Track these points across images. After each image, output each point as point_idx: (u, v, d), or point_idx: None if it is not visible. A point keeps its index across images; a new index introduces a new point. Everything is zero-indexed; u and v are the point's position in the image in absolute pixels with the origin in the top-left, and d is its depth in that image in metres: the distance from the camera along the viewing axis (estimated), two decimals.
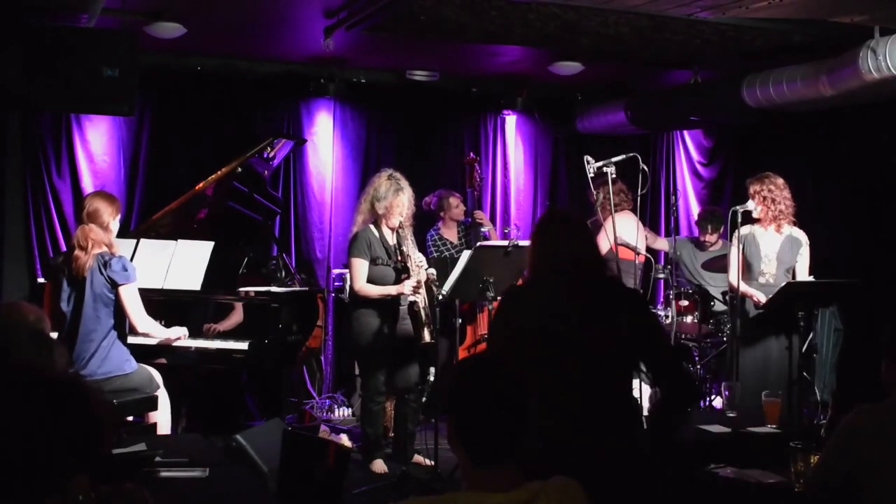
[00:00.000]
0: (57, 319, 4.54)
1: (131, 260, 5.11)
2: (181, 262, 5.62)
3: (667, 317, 6.37)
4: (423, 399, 5.73)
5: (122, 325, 4.77)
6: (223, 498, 2.88)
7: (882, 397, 2.79)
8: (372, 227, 5.34)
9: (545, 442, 2.38)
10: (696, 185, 8.26)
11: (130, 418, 4.79)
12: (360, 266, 5.26)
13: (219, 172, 5.90)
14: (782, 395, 4.29)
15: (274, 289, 5.88)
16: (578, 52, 6.62)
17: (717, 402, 6.17)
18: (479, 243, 5.74)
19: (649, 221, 8.15)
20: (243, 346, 5.44)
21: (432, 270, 5.41)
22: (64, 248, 6.08)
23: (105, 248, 4.65)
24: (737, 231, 5.43)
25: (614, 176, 5.18)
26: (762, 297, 5.35)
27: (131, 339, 4.92)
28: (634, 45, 5.99)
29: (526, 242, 4.46)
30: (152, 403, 4.78)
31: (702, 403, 6.37)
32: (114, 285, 4.63)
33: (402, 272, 5.27)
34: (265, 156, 6.23)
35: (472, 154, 7.01)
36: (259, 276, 6.15)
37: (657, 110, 7.54)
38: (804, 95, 5.92)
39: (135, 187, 7.09)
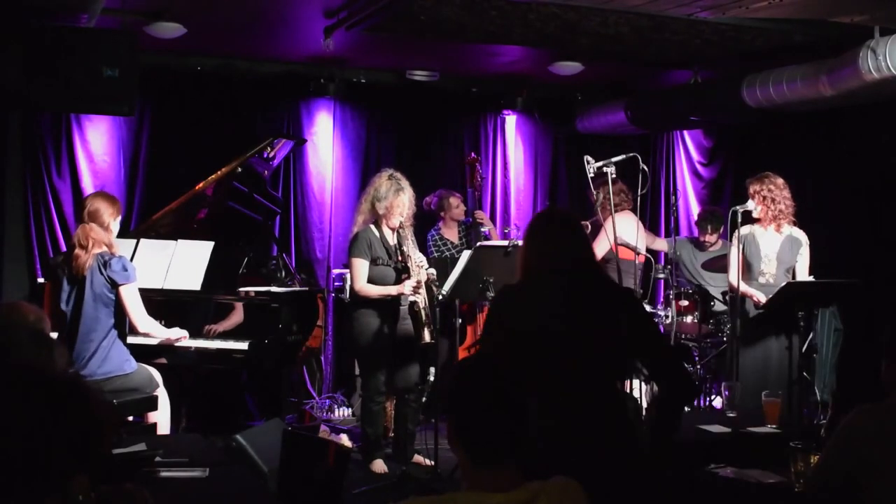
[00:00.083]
0: (57, 319, 4.54)
1: (131, 260, 5.11)
2: (181, 262, 5.62)
3: (667, 317, 6.36)
4: (423, 399, 5.73)
5: (122, 325, 4.78)
6: (223, 498, 2.87)
7: (882, 397, 2.79)
8: (372, 227, 5.34)
9: (545, 442, 2.38)
10: (696, 185, 8.26)
11: (130, 418, 4.79)
12: (361, 266, 5.26)
13: (219, 172, 5.90)
14: (782, 395, 4.28)
15: (274, 289, 5.88)
16: (578, 52, 6.62)
17: (717, 402, 6.16)
18: (478, 243, 5.75)
19: (649, 221, 8.15)
20: (243, 346, 5.44)
21: (432, 270, 5.41)
22: (64, 248, 6.08)
23: (105, 248, 4.65)
24: (737, 231, 5.43)
25: (614, 176, 5.18)
26: (762, 297, 5.35)
27: (131, 339, 4.93)
28: (634, 45, 5.99)
29: None
30: (152, 403, 4.78)
31: (702, 403, 6.37)
32: (114, 285, 4.63)
33: (402, 272, 5.27)
34: (265, 156, 6.23)
35: (473, 154, 7.01)
36: (259, 276, 6.15)
37: (657, 110, 7.54)
38: (804, 95, 5.92)
39: (135, 187, 7.09)
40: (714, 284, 6.68)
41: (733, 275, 5.40)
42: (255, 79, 7.30)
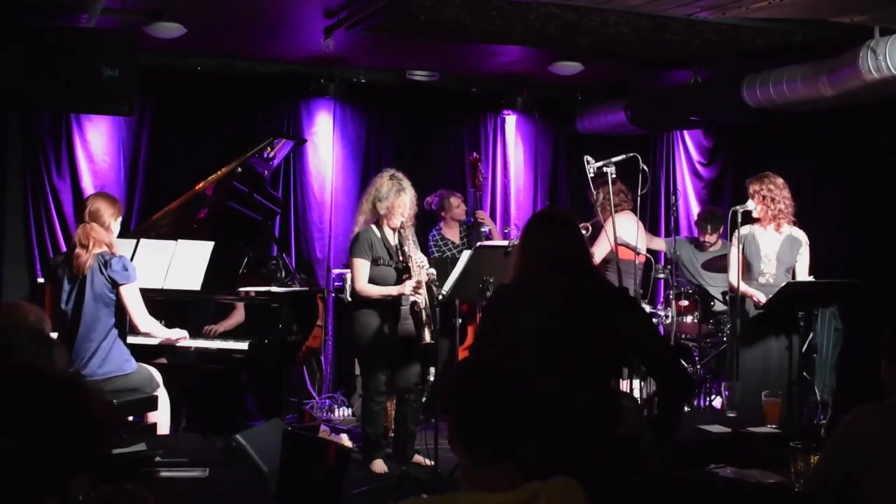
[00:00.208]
0: (57, 319, 4.54)
1: (131, 260, 5.11)
2: (181, 262, 5.62)
3: (667, 317, 6.36)
4: (424, 399, 5.73)
5: (123, 325, 4.78)
6: (223, 498, 2.87)
7: (882, 397, 2.79)
8: (374, 227, 5.34)
9: (545, 442, 2.38)
10: (696, 185, 8.26)
11: (130, 418, 4.79)
12: (362, 266, 5.26)
13: (219, 172, 5.90)
14: (782, 395, 4.28)
15: (274, 289, 5.88)
16: (578, 52, 6.62)
17: (717, 402, 6.16)
18: (478, 243, 5.75)
19: (649, 221, 8.15)
20: (243, 346, 5.44)
21: (433, 271, 5.40)
22: (64, 249, 6.09)
23: (105, 248, 4.65)
24: (737, 231, 5.43)
25: (614, 176, 5.18)
26: (762, 297, 5.35)
27: (131, 339, 4.93)
28: (634, 45, 5.99)
29: None
30: (152, 403, 4.78)
31: (702, 403, 6.37)
32: (114, 285, 4.63)
33: (403, 272, 5.27)
34: (265, 156, 6.23)
35: (475, 154, 7.01)
36: (259, 276, 6.15)
37: (657, 110, 7.54)
38: (804, 95, 5.92)
39: (135, 187, 7.09)
40: (714, 284, 6.68)
41: (733, 275, 5.39)
42: (255, 79, 7.30)
